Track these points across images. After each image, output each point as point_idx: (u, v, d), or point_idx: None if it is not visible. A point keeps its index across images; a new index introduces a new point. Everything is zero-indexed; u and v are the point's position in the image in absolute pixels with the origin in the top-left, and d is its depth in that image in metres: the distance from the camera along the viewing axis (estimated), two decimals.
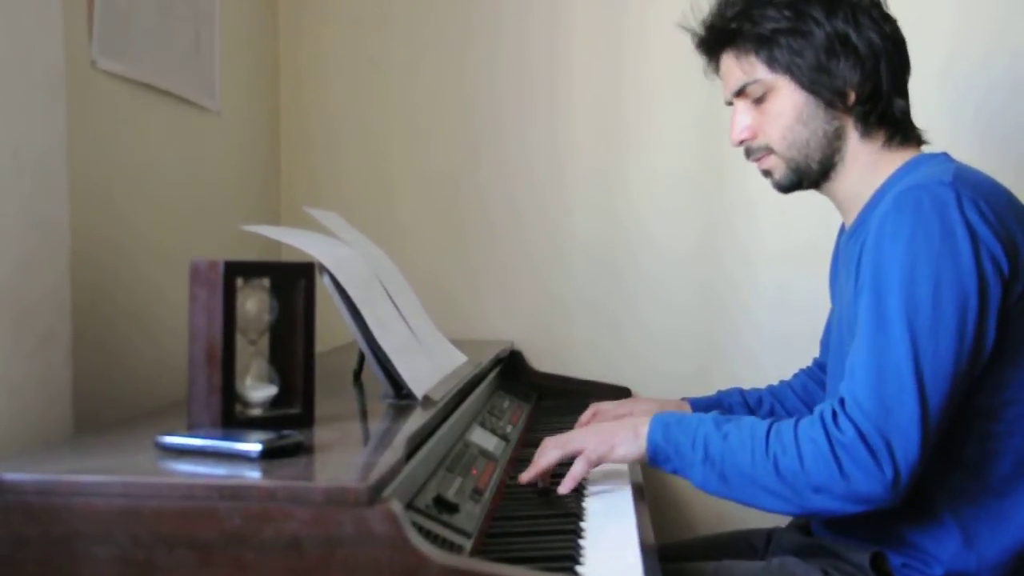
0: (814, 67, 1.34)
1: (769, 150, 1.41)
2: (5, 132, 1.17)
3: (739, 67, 1.40)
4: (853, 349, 1.24)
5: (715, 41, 1.43)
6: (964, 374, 1.19)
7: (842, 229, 1.51)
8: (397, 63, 2.28)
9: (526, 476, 1.37)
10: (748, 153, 1.44)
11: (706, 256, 2.22)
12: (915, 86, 1.41)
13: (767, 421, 1.25)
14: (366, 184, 2.29)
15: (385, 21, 2.29)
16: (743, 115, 1.41)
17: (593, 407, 1.70)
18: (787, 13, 1.35)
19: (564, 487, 1.34)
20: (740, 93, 1.41)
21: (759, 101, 1.39)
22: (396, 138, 2.30)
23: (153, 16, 1.63)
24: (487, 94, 2.27)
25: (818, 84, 1.35)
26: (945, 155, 1.37)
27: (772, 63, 1.37)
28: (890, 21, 1.38)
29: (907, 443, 1.16)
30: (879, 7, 1.38)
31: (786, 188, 1.43)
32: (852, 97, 1.35)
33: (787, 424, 1.23)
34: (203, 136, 1.88)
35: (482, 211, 2.28)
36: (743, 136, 1.42)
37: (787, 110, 1.37)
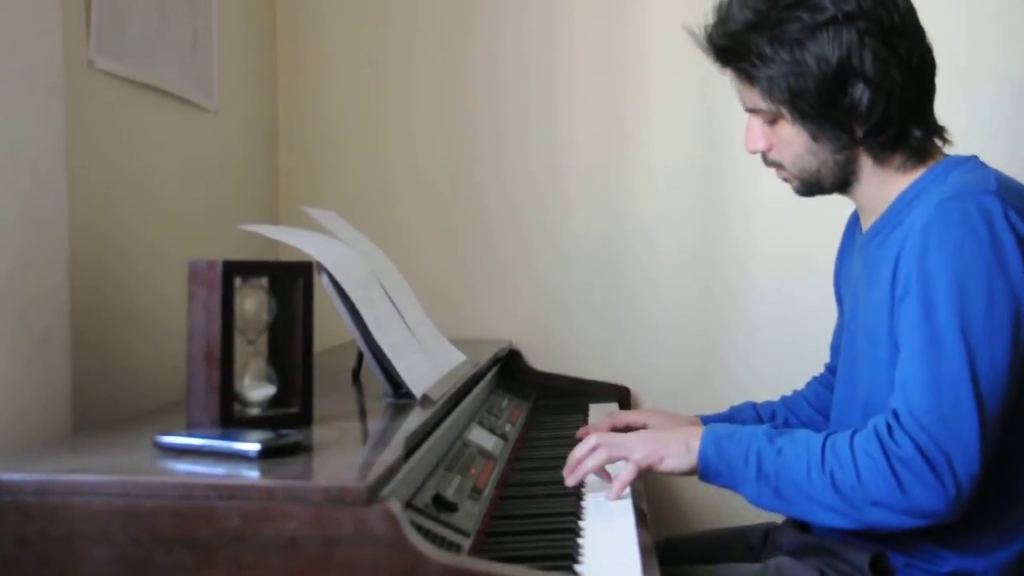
0: (815, 106, 1.28)
1: (783, 166, 1.38)
2: (3, 132, 1.17)
3: (745, 89, 1.36)
4: (901, 362, 1.22)
5: (718, 58, 1.37)
6: (1018, 383, 1.19)
7: (856, 226, 1.48)
8: (395, 62, 2.28)
9: (573, 480, 1.34)
10: (765, 162, 1.41)
11: (705, 254, 2.22)
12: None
13: (821, 435, 1.24)
14: (364, 183, 2.29)
15: (383, 20, 2.29)
16: (756, 130, 1.37)
17: (608, 416, 1.63)
18: (784, 54, 1.27)
19: (613, 493, 1.31)
20: (751, 111, 1.38)
21: (771, 122, 1.35)
22: (394, 137, 2.29)
23: (151, 16, 1.63)
24: (485, 93, 2.27)
25: (820, 124, 1.30)
26: (976, 159, 1.33)
27: (771, 98, 1.32)
28: (906, 41, 1.27)
29: (968, 456, 1.15)
30: (895, 30, 1.27)
31: (803, 196, 1.42)
32: (859, 132, 1.30)
33: (842, 438, 1.21)
34: (201, 135, 1.88)
35: (480, 210, 2.28)
36: (756, 148, 1.38)
37: (795, 140, 1.34)
